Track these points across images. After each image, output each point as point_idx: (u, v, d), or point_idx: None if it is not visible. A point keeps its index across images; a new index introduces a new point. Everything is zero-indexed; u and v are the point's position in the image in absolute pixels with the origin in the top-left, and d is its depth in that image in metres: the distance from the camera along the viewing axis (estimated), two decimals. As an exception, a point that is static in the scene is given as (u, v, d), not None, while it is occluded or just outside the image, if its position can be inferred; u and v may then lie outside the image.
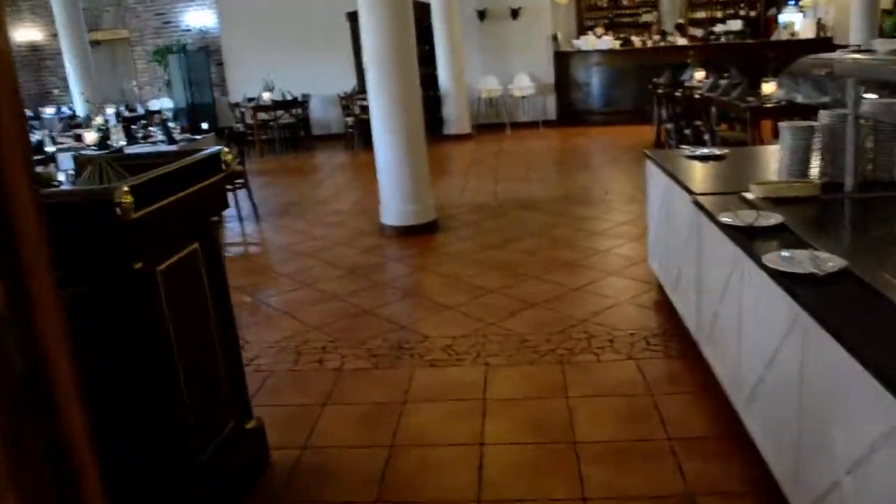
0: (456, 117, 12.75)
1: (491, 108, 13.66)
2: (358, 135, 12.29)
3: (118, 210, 2.31)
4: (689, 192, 3.58)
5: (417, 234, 6.72)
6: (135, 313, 2.53)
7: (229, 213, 8.19)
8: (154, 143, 7.92)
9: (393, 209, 6.83)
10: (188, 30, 15.98)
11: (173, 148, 7.52)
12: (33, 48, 16.54)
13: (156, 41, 16.05)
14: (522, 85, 13.38)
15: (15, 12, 16.39)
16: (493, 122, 13.58)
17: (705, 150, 4.53)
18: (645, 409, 3.37)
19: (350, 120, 12.68)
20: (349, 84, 13.60)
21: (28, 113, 14.55)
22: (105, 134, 8.14)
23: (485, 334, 4.38)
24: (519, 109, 13.61)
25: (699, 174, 4.00)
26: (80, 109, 12.76)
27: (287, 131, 13.51)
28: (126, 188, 2.35)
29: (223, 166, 3.17)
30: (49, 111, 14.27)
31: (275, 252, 6.78)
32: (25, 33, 16.43)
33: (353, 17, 12.23)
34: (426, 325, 4.62)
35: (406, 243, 6.55)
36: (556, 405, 3.47)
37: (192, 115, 15.14)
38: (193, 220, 2.95)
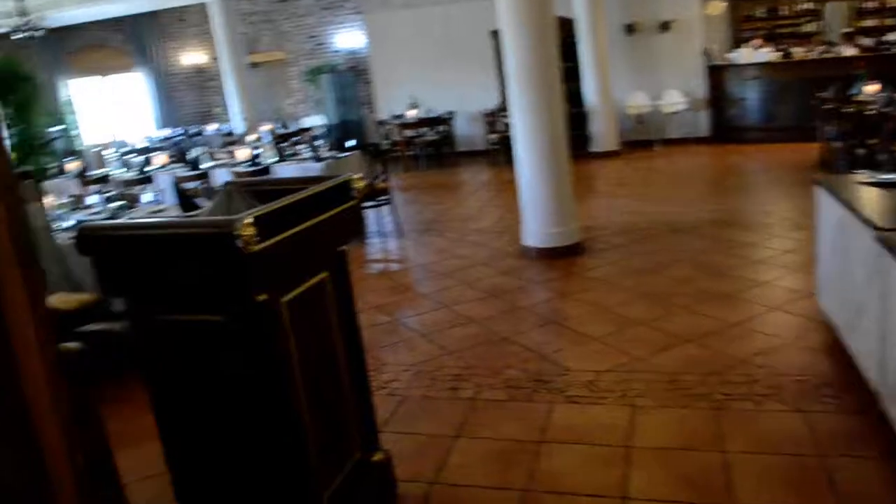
0: (602, 134, 12.34)
1: (639, 125, 13.14)
2: (502, 151, 12.14)
3: (240, 242, 2.21)
4: (873, 226, 3.12)
5: (561, 256, 6.43)
6: (258, 344, 2.43)
7: (372, 228, 8.23)
8: (301, 160, 8.07)
9: (535, 230, 6.59)
10: (338, 51, 16.44)
11: (317, 166, 7.63)
12: (198, 70, 17.56)
13: (309, 62, 16.61)
14: (673, 100, 12.78)
15: (183, 38, 17.47)
16: (641, 139, 13.05)
17: (888, 176, 3.99)
18: (815, 474, 2.94)
19: (494, 137, 12.57)
20: (493, 101, 13.50)
21: (193, 129, 15.44)
22: (253, 148, 8.38)
23: (631, 370, 4.05)
24: (669, 126, 13.02)
25: (882, 204, 3.50)
26: (239, 127, 13.35)
27: (431, 148, 13.57)
28: (249, 220, 2.24)
29: (354, 193, 3.05)
30: (210, 129, 15.06)
31: (415, 270, 6.70)
32: (191, 57, 17.47)
33: (496, 35, 12.14)
34: (567, 357, 4.34)
35: (548, 266, 6.28)
36: (711, 459, 3.10)
37: (341, 131, 15.53)
38: (322, 250, 2.83)
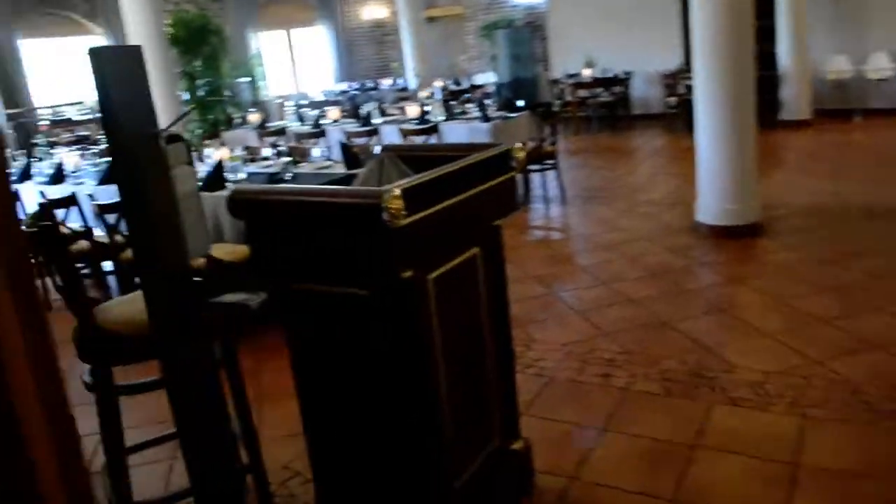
0: (794, 101, 11.32)
1: (837, 92, 11.94)
2: (680, 116, 11.47)
3: (386, 215, 2.10)
4: None
5: (737, 236, 5.95)
6: (400, 321, 2.34)
7: (536, 193, 8.03)
8: (469, 119, 7.96)
9: (710, 204, 6.12)
10: (516, 6, 16.12)
11: (485, 126, 7.49)
12: (377, 24, 17.83)
13: (486, 17, 16.41)
14: (880, 65, 11.48)
15: (365, -9, 17.79)
16: (839, 108, 11.86)
17: None
18: None
19: (673, 100, 11.88)
20: (674, 61, 12.74)
21: (369, 84, 15.76)
22: (422, 106, 8.36)
23: (806, 375, 3.65)
24: (874, 94, 11.73)
25: None
26: (412, 83, 13.45)
27: (605, 109, 13.06)
28: (397, 192, 2.13)
29: (513, 164, 2.87)
30: (386, 83, 15.31)
31: (577, 241, 6.46)
32: (372, 11, 17.75)
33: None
34: (733, 352, 3.98)
35: (722, 247, 5.83)
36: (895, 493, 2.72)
37: (514, 89, 15.26)
38: (474, 225, 2.69)
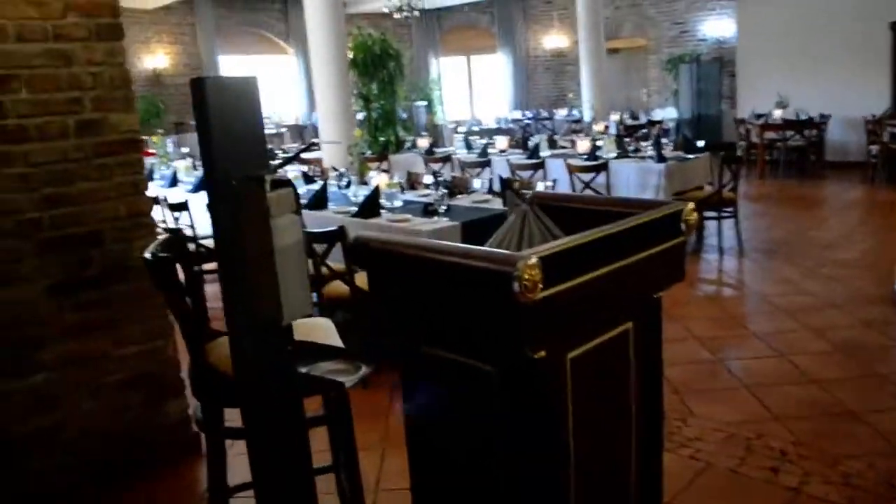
0: None
1: None
2: (882, 166, 10.33)
3: (516, 286, 1.78)
4: None
5: (945, 313, 5.12)
6: (528, 404, 2.00)
7: (709, 242, 7.41)
8: (642, 157, 7.48)
9: (914, 274, 5.31)
10: (704, 39, 15.32)
11: (658, 167, 6.98)
12: (557, 54, 17.57)
13: (671, 50, 15.73)
14: None
15: (546, 20, 17.58)
16: None
17: None
18: None
19: (874, 148, 10.72)
20: (880, 105, 11.52)
21: (543, 113, 15.52)
22: (594, 141, 7.97)
23: None
24: None
25: None
26: (586, 115, 13.04)
27: (795, 154, 12.02)
28: (534, 260, 1.80)
29: (683, 228, 2.46)
30: (560, 113, 15.00)
31: (751, 300, 5.81)
32: (552, 40, 17.53)
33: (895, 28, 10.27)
34: (939, 462, 3.30)
35: (926, 324, 5.02)
36: None
37: (695, 127, 14.51)
38: (629, 297, 2.30)
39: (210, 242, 5.79)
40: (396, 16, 12.69)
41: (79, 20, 3.49)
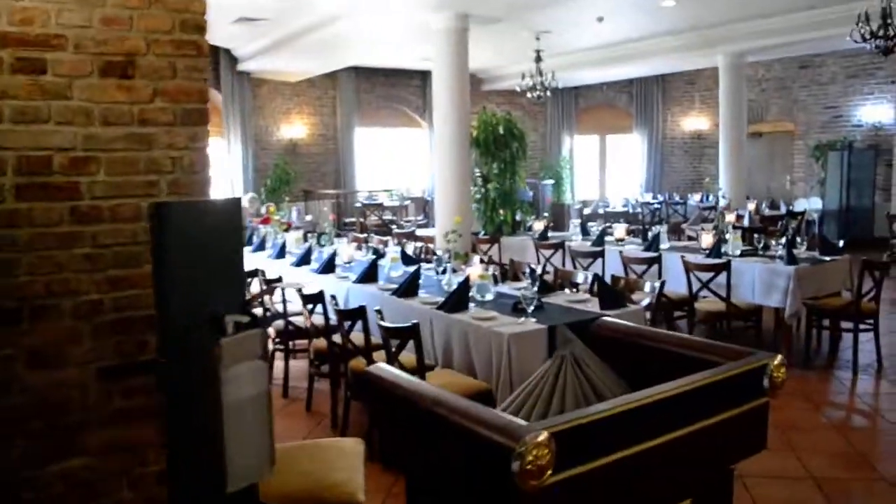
0: None
1: None
2: None
3: (516, 466, 1.44)
4: None
5: None
6: None
7: (843, 357, 6.61)
8: (771, 257, 6.82)
9: None
10: (859, 125, 14.27)
11: (786, 270, 6.31)
12: (696, 136, 16.93)
13: (820, 136, 14.76)
14: None
15: (686, 102, 17.03)
16: None
17: None
18: None
19: None
20: None
21: (677, 197, 14.88)
22: (721, 235, 7.37)
23: None
24: None
25: None
26: (721, 201, 12.35)
27: (958, 256, 10.77)
28: (543, 437, 1.46)
29: (766, 385, 2.04)
30: (694, 198, 14.32)
31: (886, 435, 5.03)
32: (692, 122, 16.93)
33: None
34: None
35: None
36: None
37: (841, 221, 13.43)
38: (690, 472, 1.89)
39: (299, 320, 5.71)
40: (529, 95, 12.64)
41: (166, 105, 3.48)
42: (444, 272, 5.68)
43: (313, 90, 15.48)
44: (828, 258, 6.83)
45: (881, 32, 7.71)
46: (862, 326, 6.30)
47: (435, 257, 6.10)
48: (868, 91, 14.21)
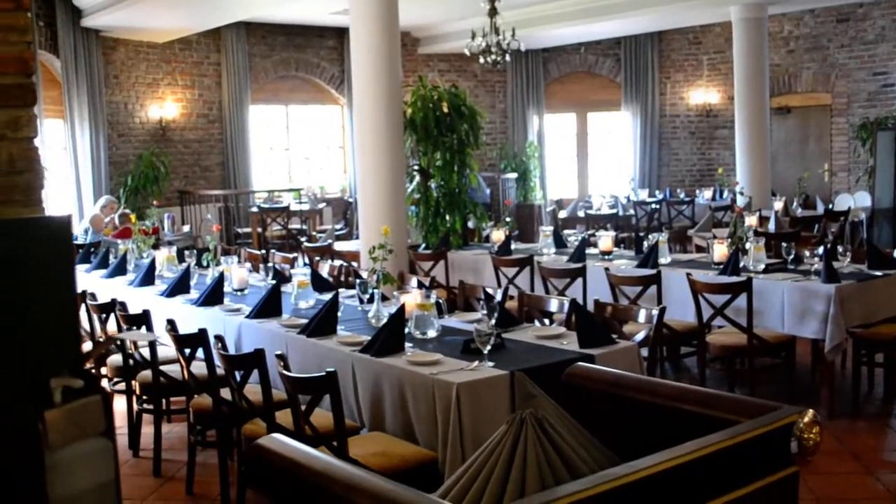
0: None
1: None
2: None
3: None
4: None
5: None
6: None
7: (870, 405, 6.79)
8: (805, 273, 6.98)
9: None
10: (917, 95, 14.79)
11: (825, 290, 6.47)
12: (706, 112, 17.31)
13: (867, 111, 15.22)
14: None
15: (692, 69, 17.41)
16: None
17: None
18: None
19: None
20: None
21: (682, 194, 15.17)
22: (738, 244, 7.53)
23: None
24: None
25: None
26: (740, 200, 12.63)
27: None
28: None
29: (793, 450, 2.08)
30: (705, 195, 14.61)
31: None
32: (699, 95, 17.35)
33: None
34: None
35: None
36: None
37: (897, 222, 13.84)
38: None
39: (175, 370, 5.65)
40: (482, 61, 12.69)
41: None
42: (370, 301, 5.68)
43: (189, 54, 15.37)
44: (880, 273, 7.01)
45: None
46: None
47: (358, 281, 6.09)
48: (930, 49, 14.75)
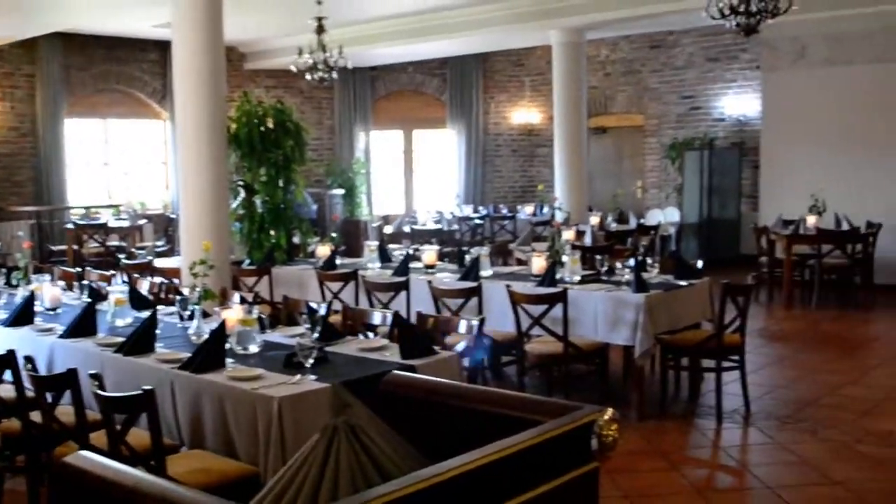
0: None
1: None
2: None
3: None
4: None
5: None
6: None
7: (705, 403, 7.19)
8: (617, 284, 7.30)
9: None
10: (721, 119, 15.62)
11: (635, 299, 6.78)
12: (528, 131, 17.83)
13: (675, 132, 16.00)
14: None
15: (515, 89, 17.90)
16: None
17: None
18: None
19: (940, 271, 10.80)
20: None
21: (504, 210, 15.52)
22: (556, 257, 7.80)
23: None
24: None
25: None
26: (558, 215, 13.05)
27: (835, 275, 12.04)
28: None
29: (593, 447, 2.19)
30: (526, 210, 14.99)
31: (755, 495, 5.53)
32: (521, 115, 17.83)
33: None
34: None
35: None
36: None
37: (705, 235, 14.61)
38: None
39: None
40: (308, 77, 12.68)
41: None
42: (191, 318, 5.60)
43: (0, 66, 14.77)
44: (684, 283, 7.41)
45: (742, 7, 8.44)
46: (726, 364, 6.89)
47: (179, 298, 5.99)
48: (731, 77, 15.61)
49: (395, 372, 2.87)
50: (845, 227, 11.83)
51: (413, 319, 6.06)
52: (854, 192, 12.47)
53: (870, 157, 12.67)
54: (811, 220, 11.97)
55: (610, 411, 2.36)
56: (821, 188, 11.89)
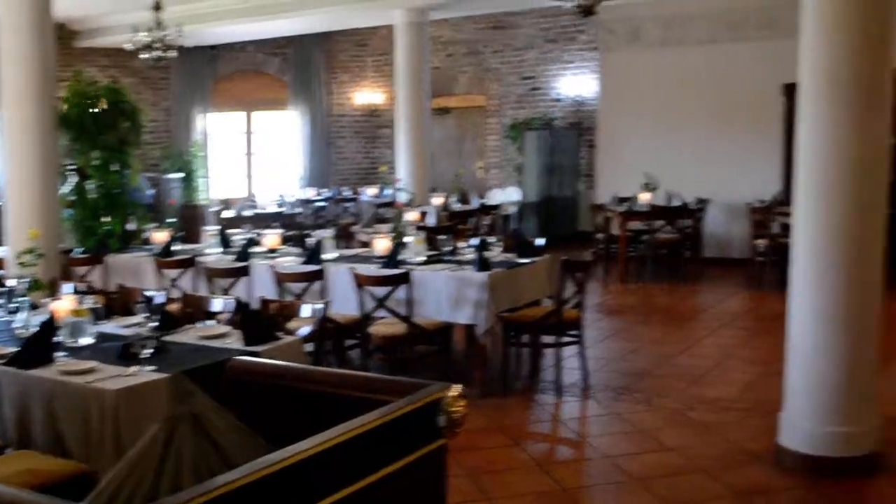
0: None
1: None
2: (771, 266, 10.88)
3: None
4: None
5: (844, 474, 5.18)
6: None
7: (545, 378, 7.36)
8: (461, 263, 7.37)
9: (803, 423, 5.34)
10: (559, 99, 15.95)
11: (479, 278, 6.86)
12: (370, 112, 17.79)
13: (516, 112, 16.25)
14: None
15: (357, 70, 17.82)
16: None
17: None
18: None
19: (761, 243, 11.32)
20: (770, 189, 12.28)
21: (347, 192, 15.45)
22: (399, 239, 7.81)
23: None
24: None
25: None
26: (400, 196, 13.06)
27: (665, 250, 12.51)
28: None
29: (441, 425, 2.20)
30: (369, 193, 14.93)
31: (594, 465, 5.71)
32: (364, 95, 17.76)
33: (791, 91, 10.93)
34: None
35: (821, 492, 5.08)
36: None
37: (544, 214, 14.91)
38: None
39: None
40: (144, 56, 12.23)
41: None
42: (18, 310, 5.36)
43: None
44: (525, 260, 7.55)
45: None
46: (565, 339, 7.07)
47: (4, 290, 5.72)
48: (569, 59, 15.93)
49: (240, 357, 2.81)
50: (676, 203, 12.31)
51: (256, 305, 5.96)
52: (685, 170, 12.95)
53: (699, 136, 13.17)
54: (644, 197, 12.38)
55: (457, 387, 2.39)
56: (653, 166, 12.34)
